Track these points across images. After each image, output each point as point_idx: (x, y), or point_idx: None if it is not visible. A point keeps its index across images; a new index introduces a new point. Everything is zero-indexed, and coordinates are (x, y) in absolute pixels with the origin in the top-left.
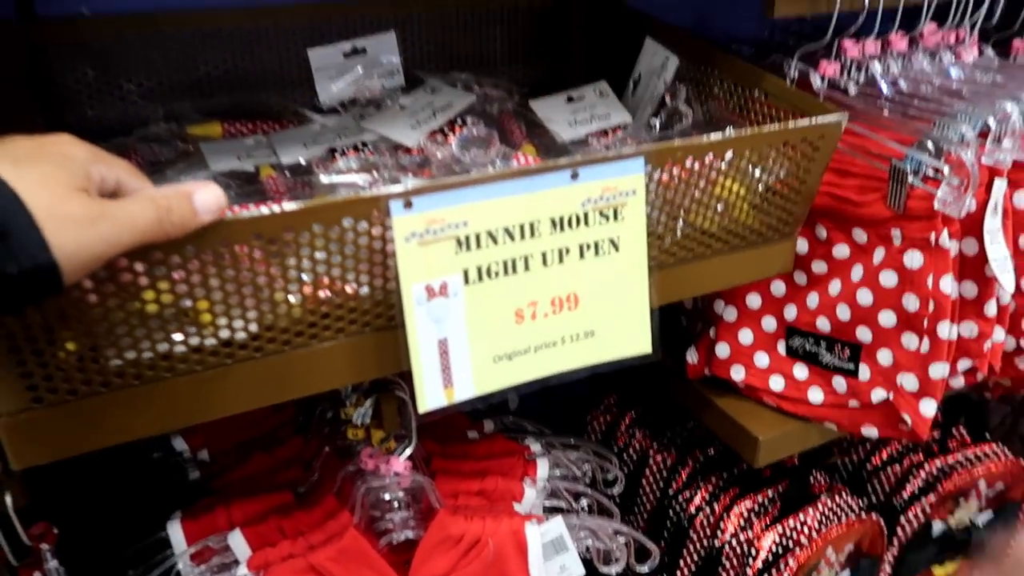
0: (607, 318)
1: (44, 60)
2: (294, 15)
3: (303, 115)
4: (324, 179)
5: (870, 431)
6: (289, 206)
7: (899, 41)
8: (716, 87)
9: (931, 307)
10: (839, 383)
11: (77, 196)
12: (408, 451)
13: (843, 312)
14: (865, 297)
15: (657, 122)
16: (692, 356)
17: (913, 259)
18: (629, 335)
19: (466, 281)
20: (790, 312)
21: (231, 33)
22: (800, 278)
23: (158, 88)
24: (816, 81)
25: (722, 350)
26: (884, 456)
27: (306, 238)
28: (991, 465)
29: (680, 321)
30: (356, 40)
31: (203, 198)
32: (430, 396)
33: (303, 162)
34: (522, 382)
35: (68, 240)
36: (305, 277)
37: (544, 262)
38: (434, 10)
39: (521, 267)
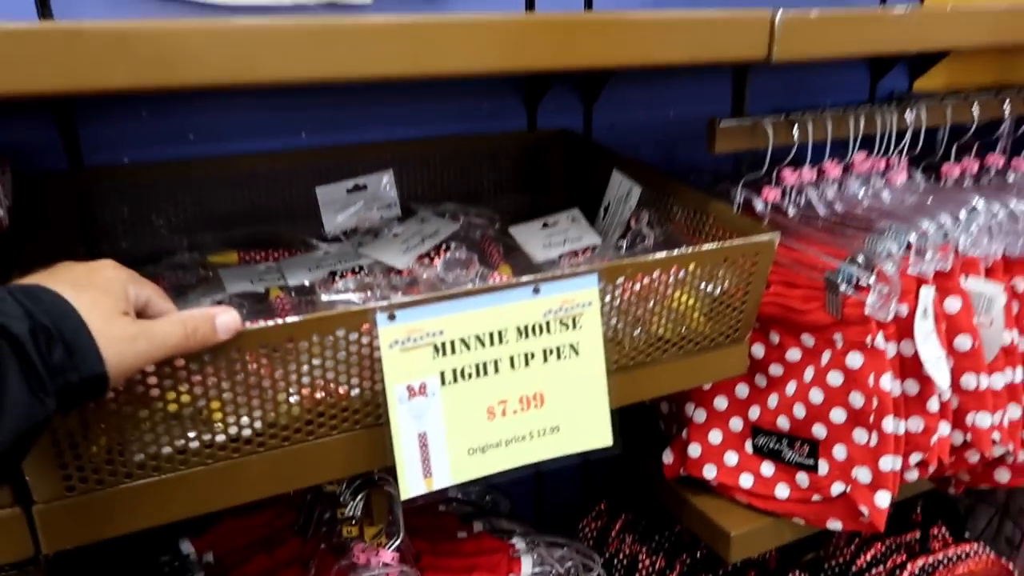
0: (570, 415)
1: (89, 201)
2: (304, 157)
3: (310, 243)
4: (324, 298)
5: (835, 524)
6: (291, 319)
7: (833, 168)
8: (674, 212)
9: (875, 403)
10: (802, 479)
11: (120, 319)
12: (396, 543)
13: (799, 411)
14: (817, 396)
15: (624, 243)
16: (668, 457)
17: (854, 360)
18: (591, 430)
19: (443, 382)
20: (754, 413)
21: (249, 175)
22: (760, 380)
23: (183, 223)
24: (759, 205)
25: (694, 450)
26: (869, 557)
27: (306, 346)
28: (973, 564)
29: (659, 425)
30: (358, 178)
31: (223, 320)
32: (411, 484)
33: (307, 284)
34: (494, 472)
35: (114, 354)
36: (304, 380)
37: (512, 365)
38: (427, 151)
39: (491, 370)
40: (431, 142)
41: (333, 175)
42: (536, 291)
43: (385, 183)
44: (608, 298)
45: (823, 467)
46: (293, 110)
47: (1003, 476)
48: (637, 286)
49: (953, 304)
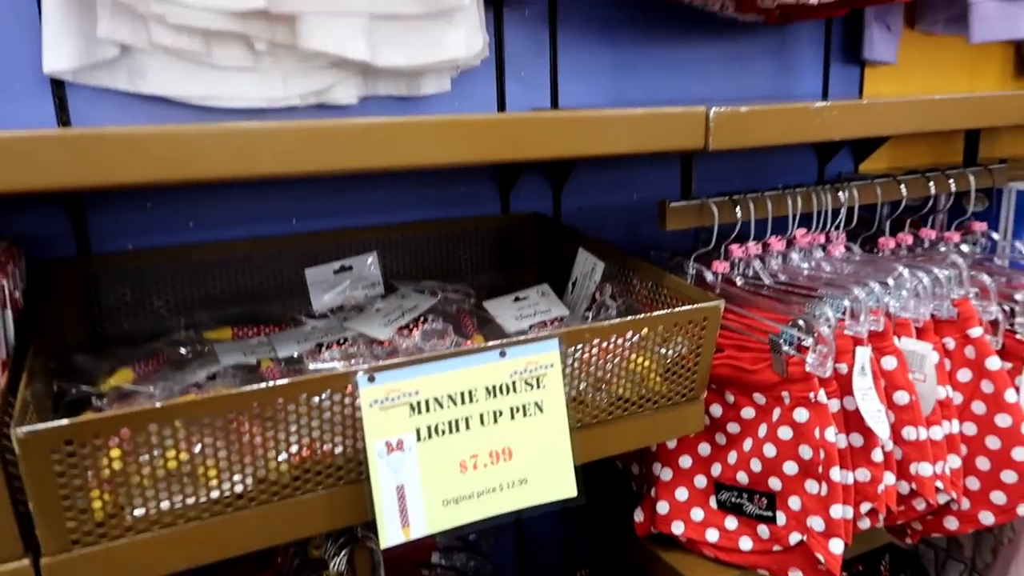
0: (537, 468)
1: (95, 284)
2: (294, 241)
3: (299, 320)
4: (312, 366)
5: (795, 574)
6: (281, 382)
7: (777, 243)
8: (634, 285)
9: (822, 455)
10: (763, 530)
11: None
12: None
13: (756, 465)
14: (770, 450)
15: (590, 315)
16: (639, 515)
17: (800, 415)
18: (557, 482)
19: (418, 438)
20: (716, 469)
21: (243, 259)
22: (720, 438)
23: (182, 303)
24: (709, 276)
25: (662, 507)
26: None
27: (294, 407)
28: None
29: (631, 486)
30: (345, 260)
31: None
32: (390, 534)
33: (296, 355)
34: (468, 523)
35: None
36: (293, 439)
37: (482, 422)
38: (409, 234)
39: (463, 426)
40: (412, 226)
41: (321, 257)
42: (502, 354)
43: (370, 264)
44: (570, 361)
45: (781, 518)
46: (285, 199)
47: (952, 524)
48: (596, 350)
49: (889, 362)
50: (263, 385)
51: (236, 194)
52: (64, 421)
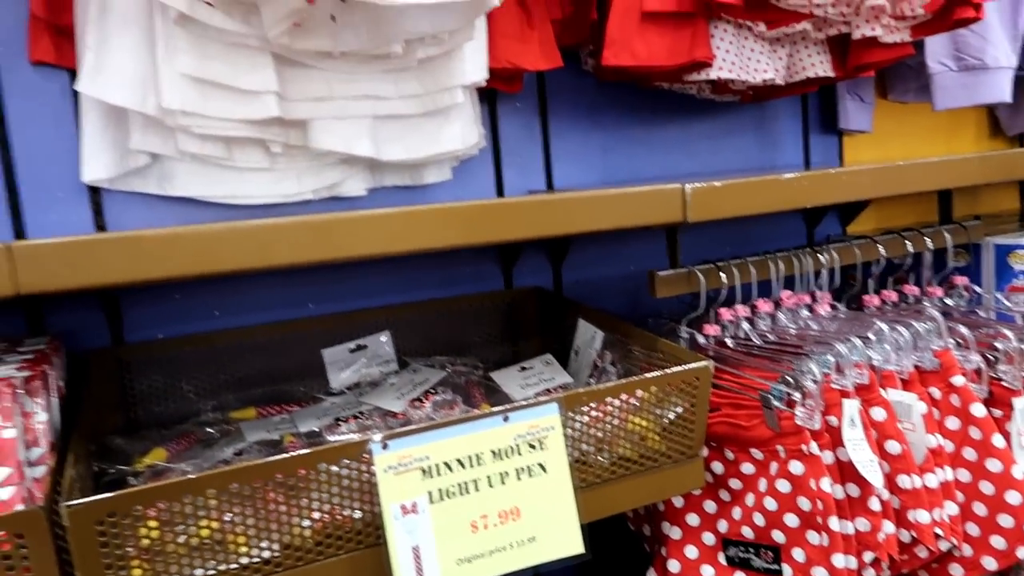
0: (544, 526)
1: (128, 372)
2: (312, 324)
3: (318, 398)
4: (330, 439)
5: None
6: (301, 451)
7: (764, 304)
8: (632, 351)
9: (820, 505)
10: None
11: None
12: None
13: (759, 519)
14: (771, 504)
15: (592, 381)
16: (651, 575)
17: (796, 467)
18: (564, 539)
19: (431, 500)
20: (722, 526)
21: (264, 342)
22: (724, 495)
23: (209, 386)
24: (701, 340)
25: (673, 566)
26: None
27: (314, 475)
28: None
29: (644, 547)
30: (359, 339)
31: None
32: None
33: (316, 429)
34: None
35: None
36: (315, 507)
37: (490, 484)
38: (419, 312)
39: (472, 488)
40: (422, 304)
41: (337, 338)
42: (506, 419)
43: (383, 342)
44: (571, 423)
45: (787, 571)
46: (302, 285)
47: (956, 571)
48: (594, 412)
49: (878, 413)
50: (285, 455)
51: (257, 282)
52: (107, 494)
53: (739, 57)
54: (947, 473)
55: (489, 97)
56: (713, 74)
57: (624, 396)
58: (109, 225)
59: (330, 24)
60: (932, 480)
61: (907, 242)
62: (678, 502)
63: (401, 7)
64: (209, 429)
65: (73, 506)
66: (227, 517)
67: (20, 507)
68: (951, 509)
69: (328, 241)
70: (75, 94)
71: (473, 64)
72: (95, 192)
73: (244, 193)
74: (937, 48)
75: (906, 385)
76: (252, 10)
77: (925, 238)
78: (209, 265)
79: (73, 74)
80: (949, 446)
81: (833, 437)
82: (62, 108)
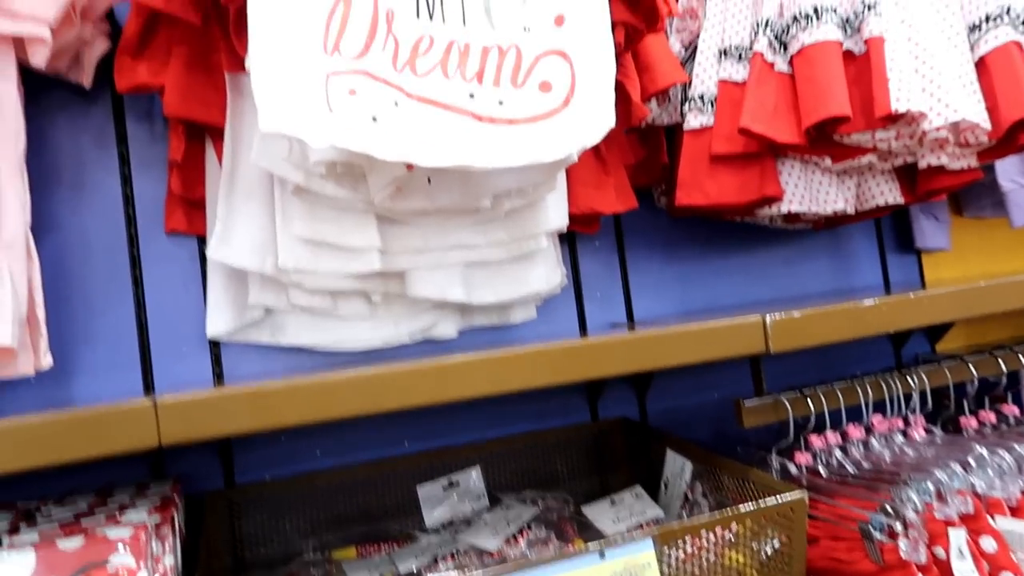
0: None
1: (239, 513)
2: (407, 462)
3: (414, 535)
4: None
5: None
6: None
7: (855, 431)
8: (723, 482)
9: None
10: None
11: None
12: None
13: None
14: None
15: (684, 513)
16: None
17: None
18: None
19: None
20: None
21: (363, 481)
22: None
23: (310, 525)
24: (792, 468)
25: None
26: None
27: None
28: None
29: None
30: (451, 475)
31: None
32: None
33: (415, 569)
34: None
35: None
36: None
37: None
38: (508, 447)
39: None
40: (511, 439)
41: (430, 474)
42: (602, 555)
43: (474, 478)
44: (667, 559)
45: None
46: (398, 425)
47: None
48: (690, 547)
49: (988, 543)
50: None
51: (357, 424)
52: None
53: (808, 190)
54: None
55: (569, 238)
56: (784, 208)
57: (719, 530)
58: (226, 374)
59: (426, 186)
60: None
61: (1000, 360)
62: None
63: (491, 169)
64: (313, 569)
65: None
66: None
67: None
68: None
69: (431, 386)
70: (202, 258)
71: (555, 212)
72: (214, 345)
73: (347, 339)
74: (1008, 166)
75: (1015, 512)
76: (359, 179)
77: (1019, 355)
78: (324, 413)
79: (201, 240)
80: None
81: (941, 570)
82: (191, 271)
